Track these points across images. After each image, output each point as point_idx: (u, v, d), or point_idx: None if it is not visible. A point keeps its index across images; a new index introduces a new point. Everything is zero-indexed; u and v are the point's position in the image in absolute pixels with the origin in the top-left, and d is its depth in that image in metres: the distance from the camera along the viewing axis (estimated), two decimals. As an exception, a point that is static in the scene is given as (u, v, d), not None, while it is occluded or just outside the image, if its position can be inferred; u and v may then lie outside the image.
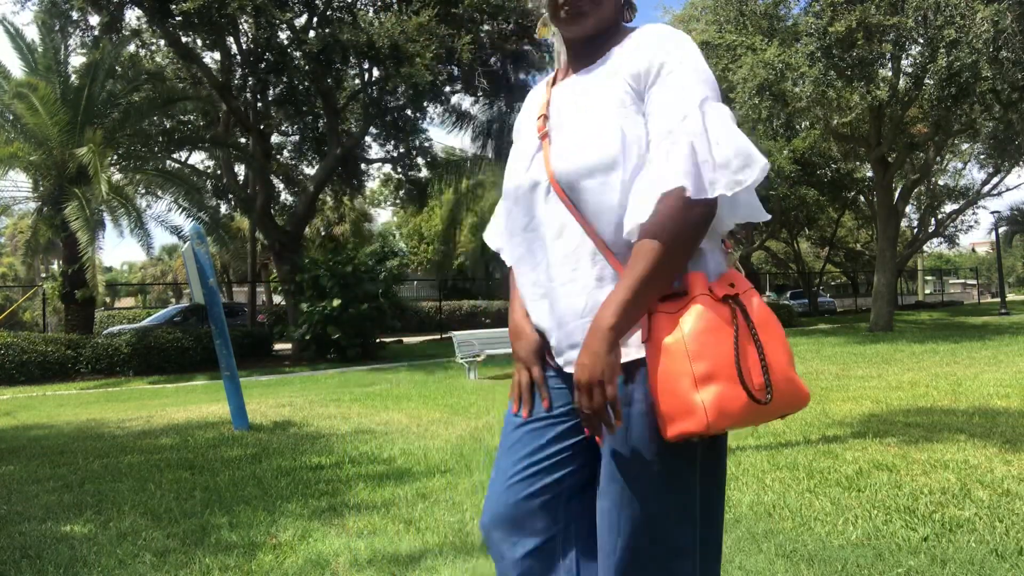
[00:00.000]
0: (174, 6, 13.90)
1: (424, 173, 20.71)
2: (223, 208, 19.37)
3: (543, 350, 1.41)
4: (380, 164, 21.83)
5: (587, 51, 1.39)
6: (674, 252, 1.19)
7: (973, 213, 30.92)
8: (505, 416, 1.45)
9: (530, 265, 1.39)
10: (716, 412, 1.14)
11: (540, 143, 1.37)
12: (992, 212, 30.44)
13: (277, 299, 29.16)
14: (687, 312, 1.19)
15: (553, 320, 1.34)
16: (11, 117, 14.90)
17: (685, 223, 1.18)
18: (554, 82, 1.47)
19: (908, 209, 29.22)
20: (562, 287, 1.31)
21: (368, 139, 20.18)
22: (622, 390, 1.23)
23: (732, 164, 1.20)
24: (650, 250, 1.18)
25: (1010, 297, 49.87)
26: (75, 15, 15.77)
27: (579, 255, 1.29)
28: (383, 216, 42.33)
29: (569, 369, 1.31)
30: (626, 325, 1.19)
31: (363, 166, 21.19)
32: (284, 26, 15.28)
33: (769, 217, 1.34)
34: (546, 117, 1.39)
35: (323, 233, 32.74)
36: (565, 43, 1.44)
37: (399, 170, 20.25)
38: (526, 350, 1.42)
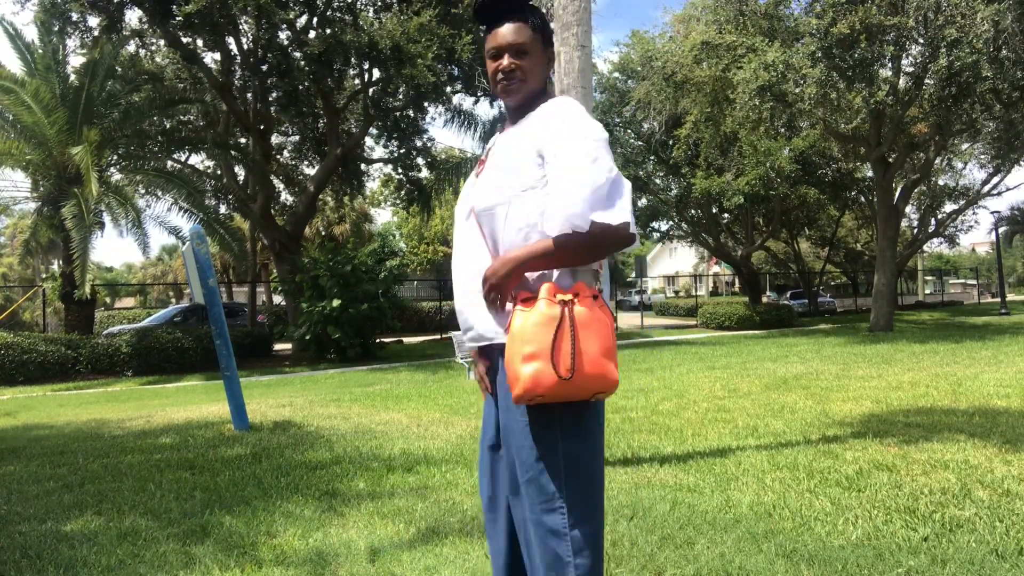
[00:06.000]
0: (175, 7, 13.89)
1: (424, 173, 20.72)
2: (223, 208, 19.34)
3: (480, 350, 1.89)
4: (380, 164, 21.83)
5: (519, 114, 1.87)
6: (549, 255, 1.66)
7: (973, 213, 30.87)
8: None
9: (453, 271, 1.87)
10: (532, 381, 1.57)
11: (476, 179, 1.87)
12: (992, 212, 30.41)
13: (277, 299, 29.16)
14: (530, 309, 1.63)
15: (460, 309, 1.84)
16: (10, 117, 14.88)
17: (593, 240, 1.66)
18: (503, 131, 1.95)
19: (908, 209, 29.19)
20: (470, 290, 1.79)
21: (368, 139, 20.17)
22: (500, 365, 1.74)
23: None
24: (540, 247, 1.66)
25: (1010, 297, 49.85)
26: (75, 16, 15.76)
27: (480, 266, 1.76)
28: (383, 216, 42.33)
29: (475, 344, 1.85)
30: (508, 272, 1.68)
31: (363, 166, 21.19)
32: (284, 26, 15.27)
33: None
34: (483, 161, 1.88)
35: (323, 233, 32.75)
36: (504, 106, 1.93)
37: (399, 170, 20.25)
38: (473, 351, 1.94)
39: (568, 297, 1.62)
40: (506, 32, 1.83)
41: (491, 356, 1.83)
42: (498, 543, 1.90)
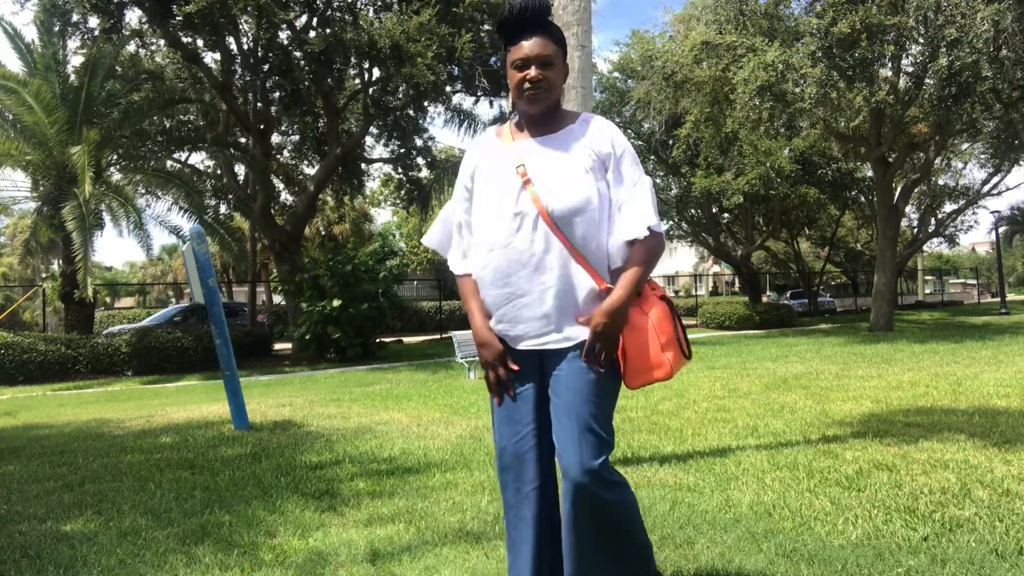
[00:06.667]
0: (175, 7, 13.88)
1: (424, 173, 20.72)
2: (223, 208, 19.33)
3: (505, 354, 2.00)
4: (380, 163, 21.82)
5: (542, 123, 2.03)
6: (653, 261, 1.99)
7: (973, 213, 30.88)
8: (493, 409, 2.09)
9: (503, 275, 1.95)
10: (673, 364, 1.94)
11: (523, 185, 1.95)
12: (992, 212, 30.39)
13: (277, 299, 29.15)
14: (648, 305, 1.96)
15: (529, 314, 1.94)
16: (10, 117, 14.87)
17: (660, 248, 2.02)
18: (500, 138, 2.09)
19: (908, 209, 29.19)
20: (545, 290, 1.92)
21: (368, 139, 20.16)
22: (569, 358, 1.94)
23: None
24: (644, 260, 1.96)
25: (1010, 297, 49.85)
26: (75, 17, 15.75)
27: (558, 267, 1.91)
28: (383, 216, 42.32)
29: (531, 345, 1.97)
30: (631, 302, 1.93)
31: (363, 166, 21.18)
32: (285, 26, 15.26)
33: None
34: (523, 167, 1.97)
35: (323, 233, 32.74)
36: (521, 114, 2.06)
37: (399, 170, 20.24)
38: (495, 356, 2.00)
39: (662, 292, 2.02)
40: (532, 45, 1.94)
41: (548, 357, 1.97)
42: (533, 531, 2.01)
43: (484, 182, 2.04)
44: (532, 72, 1.94)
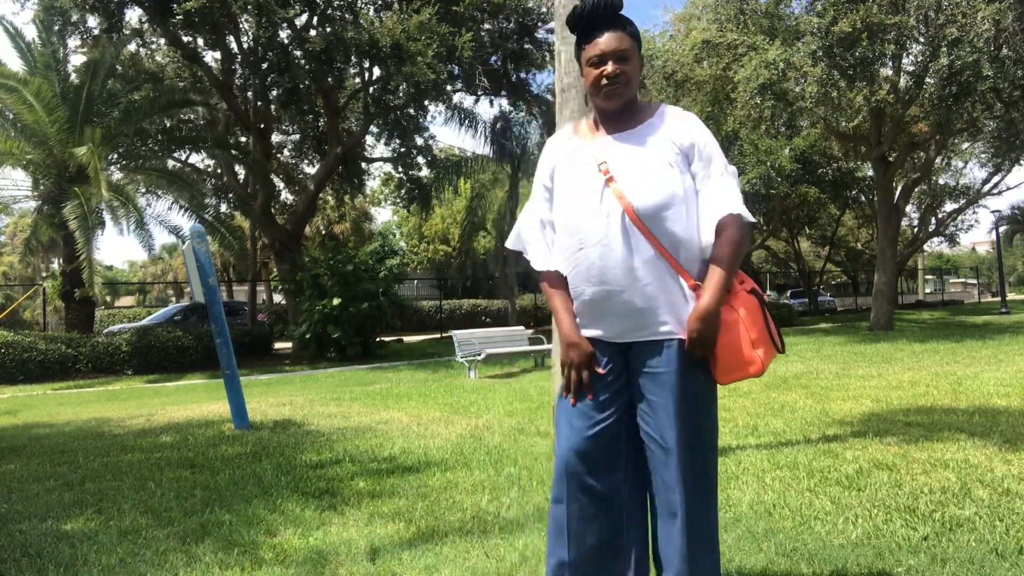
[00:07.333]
0: (175, 6, 13.89)
1: (424, 172, 20.72)
2: (223, 207, 19.35)
3: (593, 357, 1.96)
4: (381, 163, 21.84)
5: (620, 119, 1.99)
6: (740, 255, 1.93)
7: (973, 212, 30.84)
8: (561, 401, 2.04)
9: (595, 274, 1.92)
10: (765, 360, 1.89)
11: (606, 183, 1.92)
12: (992, 211, 30.33)
13: (277, 298, 29.16)
14: (738, 302, 1.92)
15: (623, 310, 1.91)
16: (11, 116, 14.87)
17: (746, 241, 1.96)
18: (578, 135, 2.06)
19: (908, 208, 29.15)
20: (639, 286, 1.89)
21: (369, 138, 20.19)
22: (674, 355, 1.90)
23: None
24: (730, 256, 1.90)
25: (1010, 296, 49.81)
26: (75, 16, 15.75)
27: (649, 263, 1.88)
28: (383, 215, 42.31)
29: (623, 339, 1.94)
30: (723, 302, 1.89)
31: (363, 165, 21.19)
32: (285, 25, 15.27)
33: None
34: (604, 163, 1.94)
35: (323, 232, 32.74)
36: (598, 111, 2.01)
37: (399, 169, 20.26)
38: (583, 358, 1.96)
39: (751, 286, 1.96)
40: (608, 40, 1.91)
41: (638, 350, 1.94)
42: (611, 525, 1.97)
43: (566, 181, 2.01)
44: (609, 68, 1.91)
